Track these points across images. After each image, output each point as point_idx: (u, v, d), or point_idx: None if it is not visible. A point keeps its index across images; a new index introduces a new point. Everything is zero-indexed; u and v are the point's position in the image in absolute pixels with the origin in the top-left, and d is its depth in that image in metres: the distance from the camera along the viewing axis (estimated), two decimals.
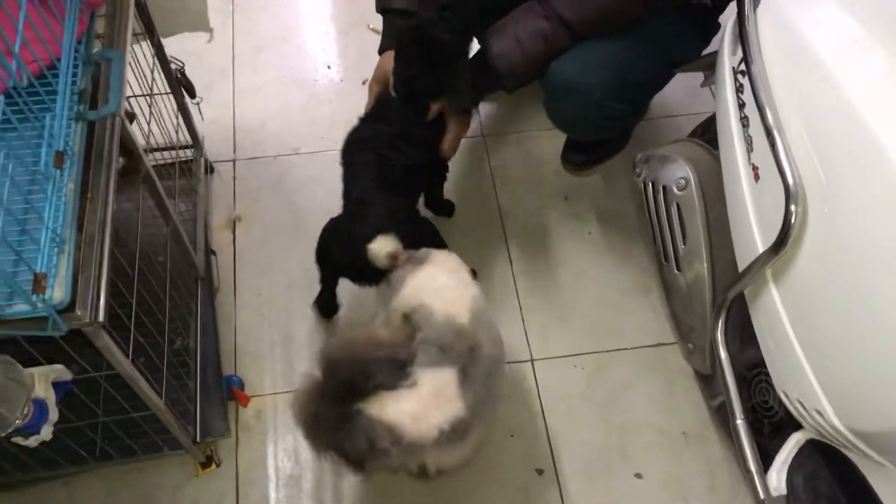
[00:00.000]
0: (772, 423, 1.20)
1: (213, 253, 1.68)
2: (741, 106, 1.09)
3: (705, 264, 1.28)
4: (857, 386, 0.89)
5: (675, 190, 1.31)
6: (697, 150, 1.35)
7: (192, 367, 1.44)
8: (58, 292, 0.85)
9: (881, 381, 0.85)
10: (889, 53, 0.89)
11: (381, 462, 1.06)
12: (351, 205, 1.38)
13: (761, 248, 1.02)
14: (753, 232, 1.05)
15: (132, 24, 1.18)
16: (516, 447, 1.50)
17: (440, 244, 1.42)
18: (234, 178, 1.86)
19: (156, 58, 1.45)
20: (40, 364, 1.10)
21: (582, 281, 1.71)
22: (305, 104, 2.01)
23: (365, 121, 1.44)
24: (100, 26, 1.15)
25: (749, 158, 1.07)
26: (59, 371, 1.11)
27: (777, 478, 1.13)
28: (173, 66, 1.52)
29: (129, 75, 1.15)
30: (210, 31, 2.14)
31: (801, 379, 0.97)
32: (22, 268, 0.83)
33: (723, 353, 1.21)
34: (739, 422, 1.17)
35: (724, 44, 1.19)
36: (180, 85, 1.57)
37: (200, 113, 1.71)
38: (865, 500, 0.97)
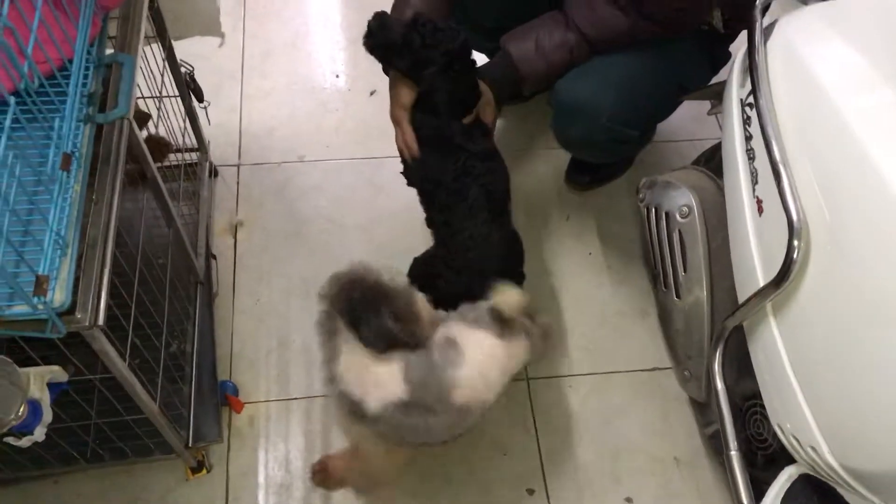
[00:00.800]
0: (765, 456, 1.20)
1: (214, 257, 1.67)
2: (748, 138, 1.09)
3: (705, 293, 1.28)
4: (853, 424, 0.89)
5: (678, 217, 1.31)
6: (702, 178, 1.35)
7: (187, 371, 1.43)
8: (59, 295, 0.85)
9: (877, 421, 0.85)
10: None
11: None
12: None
13: (762, 282, 1.02)
14: (755, 264, 1.05)
15: (145, 27, 1.18)
16: (508, 466, 1.49)
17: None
18: (238, 182, 1.86)
19: (166, 61, 1.45)
20: (34, 363, 1.09)
21: (580, 301, 1.71)
22: (312, 112, 2.01)
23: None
24: (112, 29, 1.15)
25: (753, 191, 1.07)
26: (55, 372, 1.10)
27: None
28: (183, 70, 1.53)
29: (139, 77, 1.15)
30: (221, 35, 2.14)
31: (796, 414, 0.97)
32: (24, 269, 0.83)
33: (719, 385, 1.20)
34: (733, 453, 1.17)
35: (734, 74, 1.20)
36: (189, 89, 1.57)
37: (207, 117, 1.72)
38: None
